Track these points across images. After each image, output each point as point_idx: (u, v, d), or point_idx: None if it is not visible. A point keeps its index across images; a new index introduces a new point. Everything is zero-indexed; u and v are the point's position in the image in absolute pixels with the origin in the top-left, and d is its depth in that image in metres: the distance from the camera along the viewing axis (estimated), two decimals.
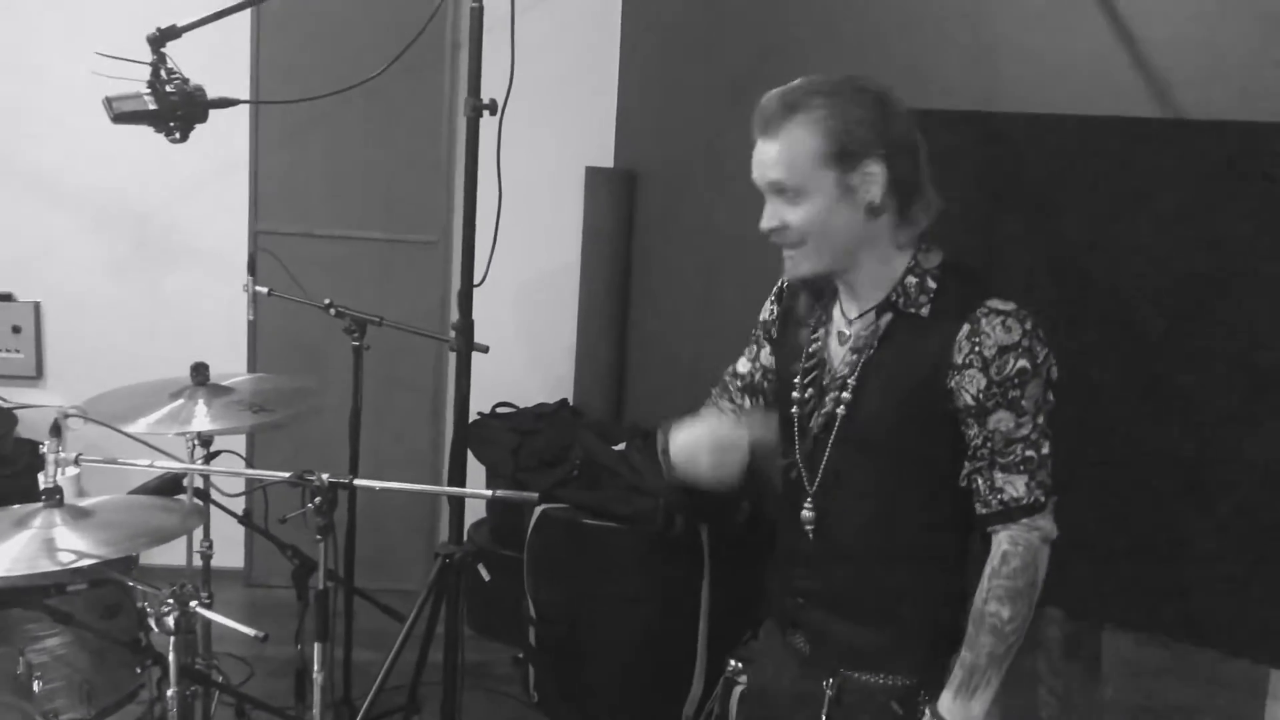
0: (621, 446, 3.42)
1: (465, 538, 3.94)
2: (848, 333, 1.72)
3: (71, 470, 2.45)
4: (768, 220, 1.65)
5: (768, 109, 1.62)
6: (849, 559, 1.72)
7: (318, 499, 1.94)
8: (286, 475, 1.97)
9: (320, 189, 4.14)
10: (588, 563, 3.34)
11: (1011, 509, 1.60)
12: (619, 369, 4.14)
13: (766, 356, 1.90)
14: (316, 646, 1.97)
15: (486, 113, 2.27)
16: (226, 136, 4.03)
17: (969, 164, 2.31)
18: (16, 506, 2.22)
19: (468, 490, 1.90)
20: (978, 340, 1.58)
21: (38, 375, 4.14)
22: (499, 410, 4.03)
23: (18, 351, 4.09)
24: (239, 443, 3.95)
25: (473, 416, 3.98)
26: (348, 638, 3.17)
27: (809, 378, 1.75)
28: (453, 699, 2.52)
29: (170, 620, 2.21)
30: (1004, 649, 1.60)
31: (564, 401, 4.11)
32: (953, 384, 1.60)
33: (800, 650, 1.79)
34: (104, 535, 2.16)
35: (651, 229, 4.06)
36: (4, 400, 3.92)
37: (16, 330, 4.08)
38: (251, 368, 4.11)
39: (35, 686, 2.46)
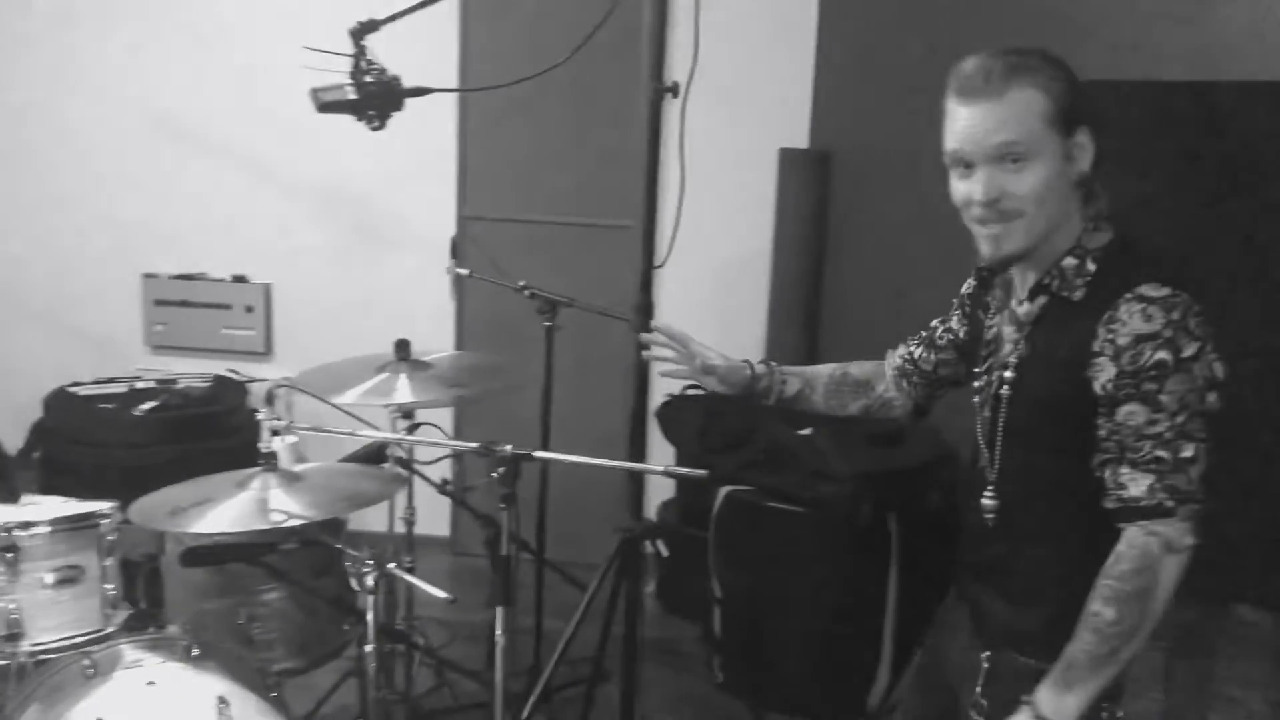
0: (808, 431, 3.39)
1: (655, 516, 4.01)
2: (1019, 313, 1.67)
3: (290, 438, 2.66)
4: (987, 191, 1.56)
5: (986, 70, 1.54)
6: (1007, 538, 1.71)
7: (501, 469, 2.02)
8: (475, 445, 2.05)
9: (522, 175, 4.29)
10: (772, 546, 3.33)
11: (1130, 508, 1.52)
12: (809, 354, 4.10)
13: (943, 333, 1.94)
14: (499, 611, 2.06)
15: (670, 95, 2.29)
16: (436, 126, 4.23)
17: (1182, 135, 2.17)
18: (237, 471, 2.41)
19: (637, 465, 1.94)
20: (1114, 328, 1.51)
21: (266, 351, 4.49)
22: (689, 391, 4.07)
23: (250, 329, 4.45)
24: (442, 417, 4.17)
25: (663, 397, 4.07)
26: (538, 607, 3.30)
27: (986, 362, 1.74)
28: (631, 671, 2.57)
29: (370, 580, 2.37)
30: (1106, 650, 1.53)
31: None
32: (1090, 373, 1.54)
33: (967, 624, 1.80)
34: (313, 498, 2.32)
35: (847, 212, 3.99)
36: (237, 373, 4.25)
37: (249, 310, 4.43)
38: (458, 346, 4.31)
39: (254, 636, 2.69)
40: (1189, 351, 1.47)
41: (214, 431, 3.99)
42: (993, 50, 1.56)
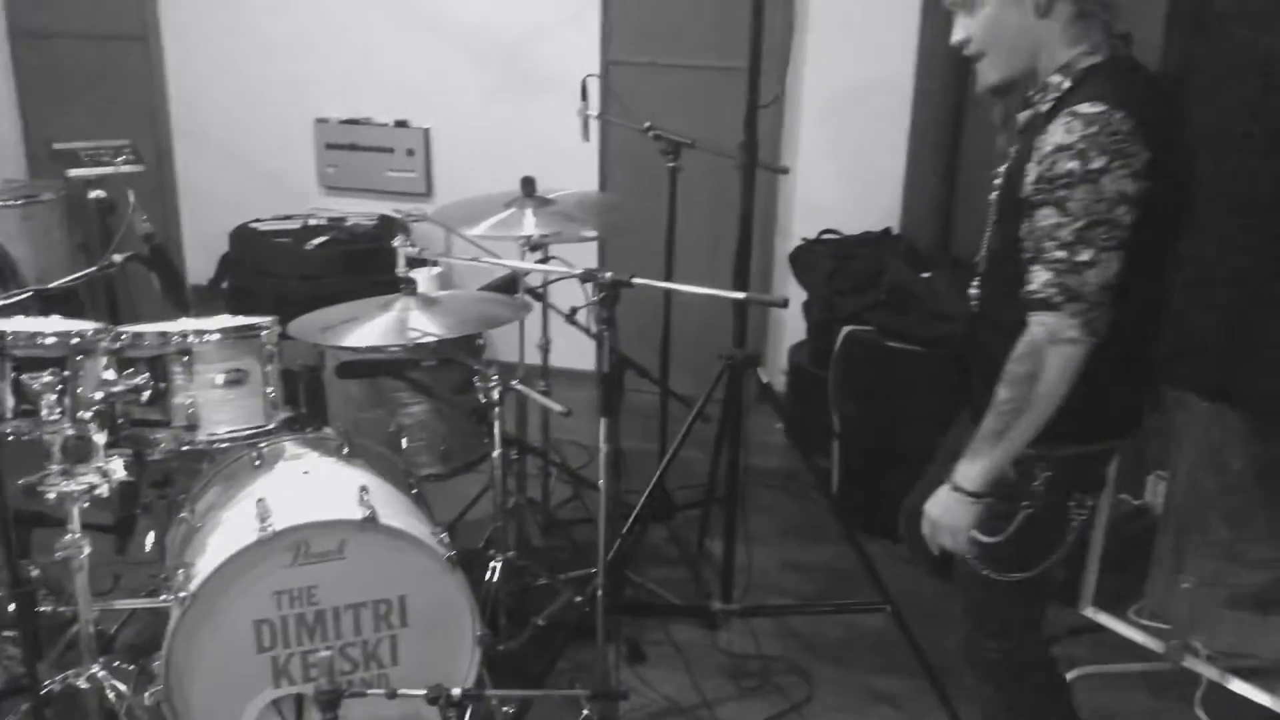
0: (929, 275, 3.44)
1: (785, 359, 4.16)
2: (1017, 123, 1.81)
3: (435, 269, 2.91)
4: (956, 37, 1.79)
5: None
6: (985, 327, 1.88)
7: (602, 294, 2.19)
8: (578, 271, 2.24)
9: (664, 20, 4.33)
10: (890, 383, 3.45)
11: (1029, 300, 1.66)
12: (947, 201, 4.07)
13: None
14: (603, 421, 2.27)
15: None
16: None
17: None
18: (381, 296, 2.68)
19: (718, 291, 2.06)
20: (1043, 138, 1.64)
21: (428, 191, 4.78)
22: (824, 236, 4.13)
23: (411, 171, 4.73)
24: (579, 250, 4.38)
25: (797, 242, 4.15)
26: (663, 432, 3.53)
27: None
28: (734, 491, 2.77)
29: (495, 392, 2.63)
30: (1000, 427, 1.70)
31: (887, 230, 4.13)
32: (1025, 179, 1.68)
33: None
34: (446, 320, 2.57)
35: None
36: (399, 212, 4.56)
37: (411, 153, 4.71)
38: (601, 185, 4.47)
39: (403, 443, 3.02)
40: (1097, 164, 1.57)
41: (378, 266, 4.33)
42: None
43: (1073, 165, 1.59)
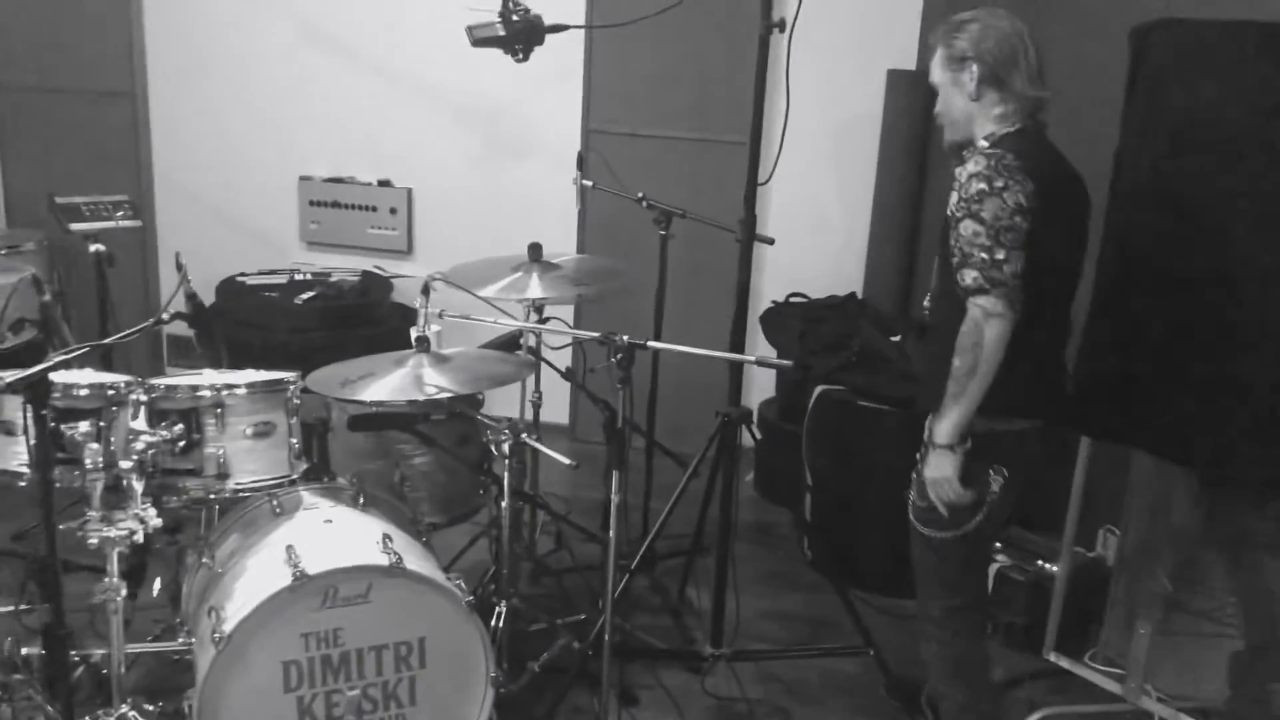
0: (898, 338, 3.68)
1: (755, 413, 4.36)
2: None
3: (435, 325, 3.07)
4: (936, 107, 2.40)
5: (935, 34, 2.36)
6: (934, 336, 2.40)
7: (619, 355, 2.38)
8: (596, 334, 2.42)
9: (643, 92, 4.57)
10: (860, 439, 3.66)
11: (966, 290, 2.19)
12: (907, 267, 4.34)
13: None
14: (614, 474, 2.44)
15: (777, 30, 2.56)
16: (567, 43, 4.50)
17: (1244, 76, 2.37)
18: (395, 351, 2.82)
19: (735, 355, 2.25)
20: (959, 170, 2.24)
21: (408, 250, 4.93)
22: (792, 299, 4.37)
23: (394, 229, 4.89)
24: (566, 313, 4.56)
25: (767, 304, 4.39)
26: (648, 485, 3.69)
27: None
28: (726, 542, 2.94)
29: (505, 446, 2.78)
30: (958, 389, 2.23)
31: (853, 294, 4.38)
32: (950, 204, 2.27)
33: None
34: (458, 377, 2.72)
35: None
36: (382, 270, 4.71)
37: (393, 211, 4.87)
38: (580, 249, 4.67)
39: (406, 493, 3.14)
40: (999, 184, 2.15)
41: (364, 320, 4.47)
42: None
43: (982, 186, 2.15)
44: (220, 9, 4.87)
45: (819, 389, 3.74)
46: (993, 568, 3.35)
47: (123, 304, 3.86)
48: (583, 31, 4.51)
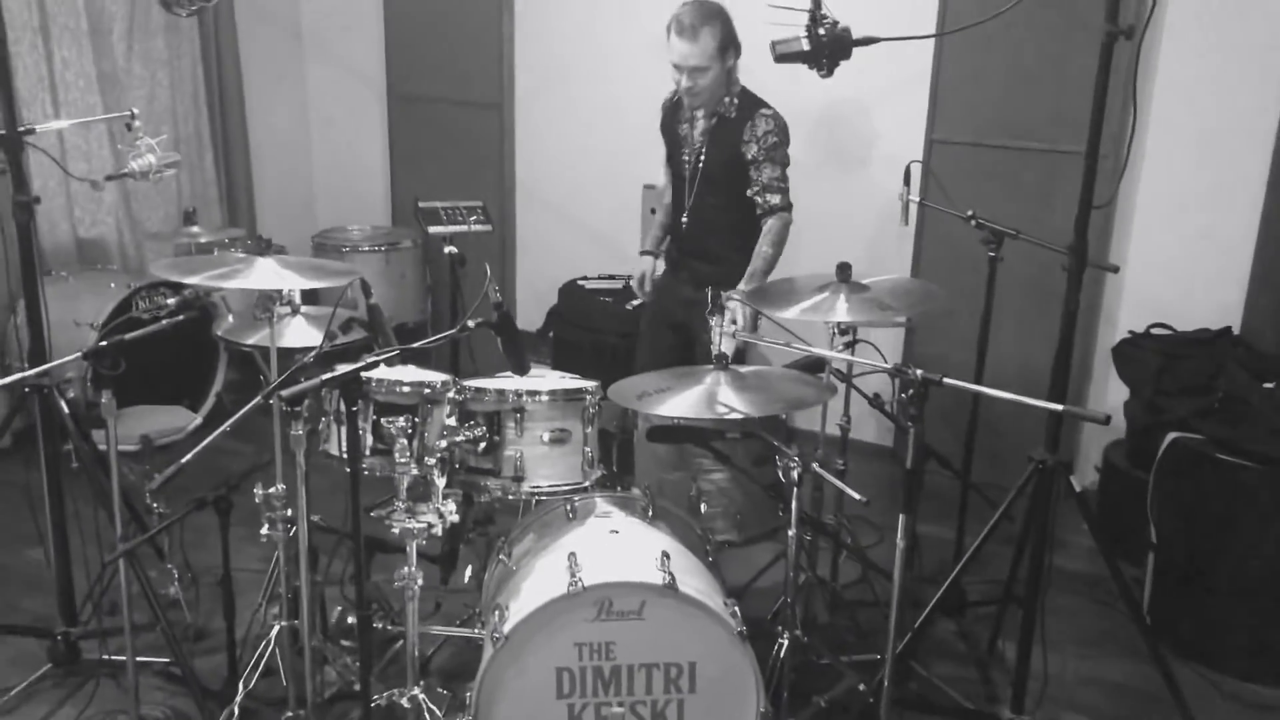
0: (1271, 385, 3.18)
1: (1102, 457, 3.95)
2: (701, 124, 3.45)
3: (730, 343, 3.02)
4: (688, 84, 3.30)
5: (690, 19, 3.23)
6: (697, 236, 3.53)
7: (910, 390, 2.21)
8: (887, 366, 2.27)
9: (991, 101, 4.26)
10: (1218, 499, 3.20)
11: (775, 208, 3.31)
12: None
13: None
14: (901, 517, 2.28)
15: (1123, 37, 2.27)
16: (915, 51, 4.31)
17: None
18: (693, 367, 2.81)
19: (1033, 400, 2.00)
20: (754, 127, 3.31)
21: None
22: (1153, 330, 3.91)
23: None
24: (889, 337, 4.36)
25: (1123, 334, 3.96)
26: (961, 524, 3.45)
27: (682, 150, 3.55)
28: (1034, 597, 2.68)
29: (794, 474, 2.68)
30: (766, 267, 3.28)
31: (1227, 329, 3.85)
32: (744, 150, 3.33)
33: (689, 279, 3.60)
34: (755, 398, 2.66)
35: None
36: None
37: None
38: (914, 269, 4.45)
39: (702, 508, 3.13)
40: (784, 137, 3.31)
41: None
42: (689, 4, 3.28)
43: (775, 139, 3.30)
44: (579, 19, 5.11)
45: (1171, 436, 3.31)
46: None
47: (474, 302, 4.17)
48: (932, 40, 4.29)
